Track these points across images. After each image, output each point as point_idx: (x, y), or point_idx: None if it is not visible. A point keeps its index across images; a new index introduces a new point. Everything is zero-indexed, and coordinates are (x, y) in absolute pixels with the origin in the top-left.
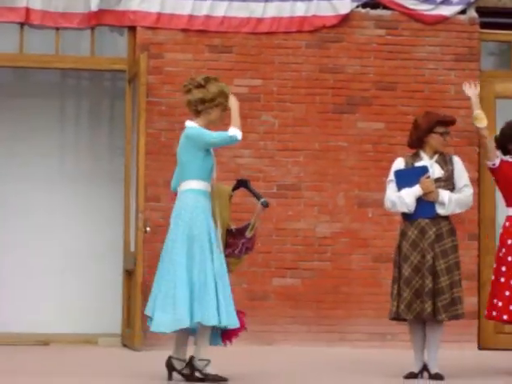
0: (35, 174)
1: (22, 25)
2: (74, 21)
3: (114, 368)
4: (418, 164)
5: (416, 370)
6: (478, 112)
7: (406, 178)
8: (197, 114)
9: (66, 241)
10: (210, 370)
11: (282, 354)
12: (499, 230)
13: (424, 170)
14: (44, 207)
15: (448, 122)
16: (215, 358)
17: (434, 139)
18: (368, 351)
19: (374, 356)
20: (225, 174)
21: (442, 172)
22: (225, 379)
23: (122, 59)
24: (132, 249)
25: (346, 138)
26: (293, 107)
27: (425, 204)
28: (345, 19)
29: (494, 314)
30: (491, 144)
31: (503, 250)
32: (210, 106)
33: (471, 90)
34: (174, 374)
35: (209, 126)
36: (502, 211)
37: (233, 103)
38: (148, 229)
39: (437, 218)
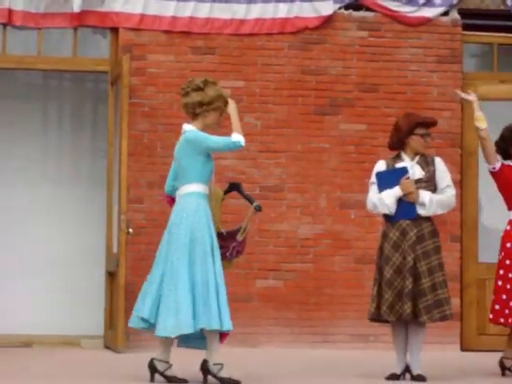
0: (17, 176)
1: (4, 25)
2: (56, 21)
3: (97, 370)
4: (399, 165)
5: (398, 371)
6: (479, 114)
7: (387, 180)
8: (194, 116)
9: (48, 242)
10: (223, 373)
11: (265, 356)
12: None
13: (404, 171)
14: (26, 209)
15: (428, 124)
16: (199, 360)
17: (415, 141)
18: (351, 353)
19: (357, 357)
20: None
21: (423, 173)
22: (238, 382)
23: (105, 60)
24: (115, 250)
25: (328, 139)
26: (275, 109)
27: (406, 205)
28: (327, 21)
29: (491, 316)
30: (491, 147)
31: (502, 254)
32: (207, 109)
33: (471, 96)
34: (156, 376)
35: (205, 129)
36: (485, 212)
37: (232, 108)
38: (131, 230)
39: (418, 219)
